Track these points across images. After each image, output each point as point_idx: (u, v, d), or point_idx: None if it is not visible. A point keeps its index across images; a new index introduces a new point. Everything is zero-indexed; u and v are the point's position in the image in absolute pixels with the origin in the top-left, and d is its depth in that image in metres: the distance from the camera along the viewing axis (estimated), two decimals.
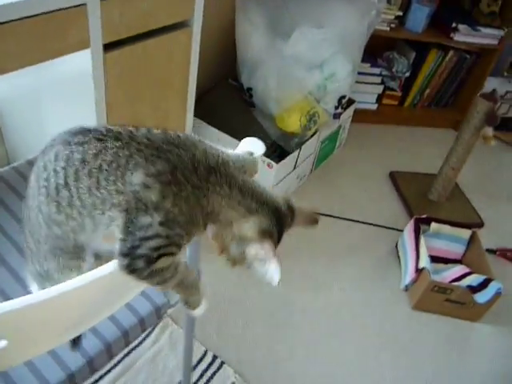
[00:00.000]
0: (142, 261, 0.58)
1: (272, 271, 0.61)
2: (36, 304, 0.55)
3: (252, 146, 0.72)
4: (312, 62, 1.83)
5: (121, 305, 0.75)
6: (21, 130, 1.70)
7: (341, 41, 1.81)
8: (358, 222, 2.04)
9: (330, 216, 2.02)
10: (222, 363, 1.44)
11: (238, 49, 1.89)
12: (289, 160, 1.89)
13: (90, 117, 1.37)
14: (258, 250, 0.61)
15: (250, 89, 1.91)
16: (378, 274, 1.84)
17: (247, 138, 0.73)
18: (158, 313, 0.93)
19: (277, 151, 1.97)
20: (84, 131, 0.61)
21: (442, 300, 1.67)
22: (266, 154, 1.87)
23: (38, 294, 0.54)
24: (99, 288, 0.60)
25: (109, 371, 1.35)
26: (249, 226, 0.61)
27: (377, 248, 1.95)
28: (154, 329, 1.47)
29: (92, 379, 1.32)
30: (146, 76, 1.47)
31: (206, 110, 1.89)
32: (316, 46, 1.80)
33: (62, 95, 1.44)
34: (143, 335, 1.46)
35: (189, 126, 1.75)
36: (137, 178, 0.57)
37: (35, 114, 1.57)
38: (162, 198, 0.57)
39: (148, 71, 1.46)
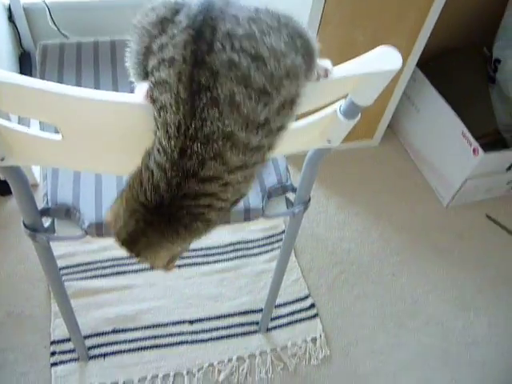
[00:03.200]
0: None
1: None
2: (92, 101, 0.54)
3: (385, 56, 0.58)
4: None
5: None
6: None
7: None
8: None
9: None
10: (316, 315, 1.36)
11: (506, 12, 1.57)
12: (503, 156, 1.55)
13: None
14: None
15: (498, 60, 1.60)
16: None
17: (383, 48, 0.58)
18: (247, 214, 0.90)
19: (499, 143, 1.65)
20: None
21: None
22: (482, 141, 1.58)
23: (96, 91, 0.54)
24: None
25: (216, 262, 1.42)
26: None
27: None
28: (274, 249, 1.47)
29: (199, 260, 1.41)
30: (373, 1, 1.35)
31: (433, 68, 1.67)
32: None
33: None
34: (261, 250, 1.47)
35: (406, 73, 1.57)
36: None
37: None
38: None
39: None
